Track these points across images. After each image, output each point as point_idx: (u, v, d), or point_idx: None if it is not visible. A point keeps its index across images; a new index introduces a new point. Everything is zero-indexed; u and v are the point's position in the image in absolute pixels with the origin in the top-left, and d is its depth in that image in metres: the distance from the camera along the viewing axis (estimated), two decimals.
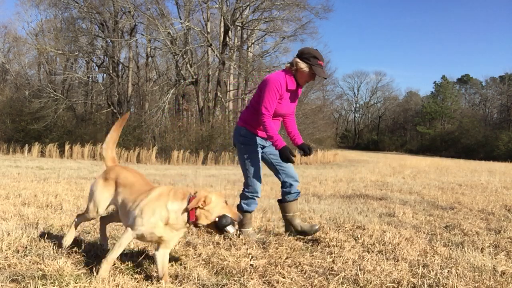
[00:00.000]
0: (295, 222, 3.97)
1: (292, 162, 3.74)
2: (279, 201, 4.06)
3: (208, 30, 24.93)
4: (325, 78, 3.88)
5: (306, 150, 3.85)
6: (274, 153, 3.90)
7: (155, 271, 2.81)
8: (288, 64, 3.78)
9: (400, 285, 2.78)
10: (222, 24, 24.30)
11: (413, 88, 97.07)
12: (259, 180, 3.92)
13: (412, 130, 70.17)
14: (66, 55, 26.74)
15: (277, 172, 3.97)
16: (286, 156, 3.69)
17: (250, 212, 3.98)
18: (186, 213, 2.66)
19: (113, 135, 3.28)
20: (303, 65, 3.68)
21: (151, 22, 22.97)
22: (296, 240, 3.91)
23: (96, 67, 29.75)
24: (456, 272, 2.95)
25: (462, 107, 68.80)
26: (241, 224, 3.97)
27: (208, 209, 2.65)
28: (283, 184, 3.98)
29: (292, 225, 3.99)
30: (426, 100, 71.47)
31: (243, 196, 3.97)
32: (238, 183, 9.83)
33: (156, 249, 2.78)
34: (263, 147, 3.95)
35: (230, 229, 2.66)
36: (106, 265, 2.69)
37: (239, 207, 3.99)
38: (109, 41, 25.94)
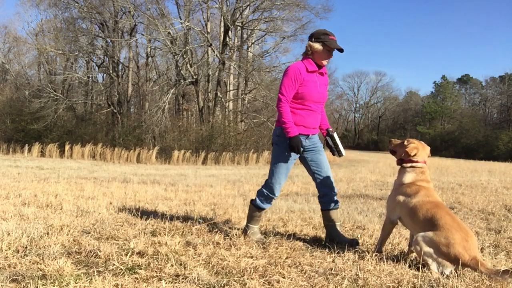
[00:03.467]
0: (335, 231, 3.93)
1: (299, 153, 3.77)
2: (321, 209, 4.04)
3: (208, 30, 24.93)
4: (341, 51, 3.78)
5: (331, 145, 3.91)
6: (314, 160, 3.90)
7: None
8: (303, 53, 3.82)
9: (400, 285, 2.78)
10: (222, 24, 24.29)
11: (413, 88, 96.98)
12: (280, 182, 3.87)
13: (412, 130, 70.08)
14: (66, 55, 26.73)
15: (314, 179, 3.96)
16: (295, 145, 3.68)
17: (263, 209, 3.97)
18: None
19: None
20: (316, 45, 3.73)
21: (151, 22, 22.95)
22: (296, 240, 3.91)
23: (96, 67, 29.74)
24: (456, 272, 2.95)
25: (462, 107, 68.75)
26: (250, 218, 3.99)
27: None
28: (319, 192, 3.98)
29: (329, 234, 3.95)
30: (426, 100, 71.45)
31: (260, 193, 3.95)
32: (238, 183, 9.83)
33: None
34: (303, 149, 3.86)
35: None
36: None
37: (253, 201, 3.98)
38: (109, 41, 25.93)
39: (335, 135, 3.99)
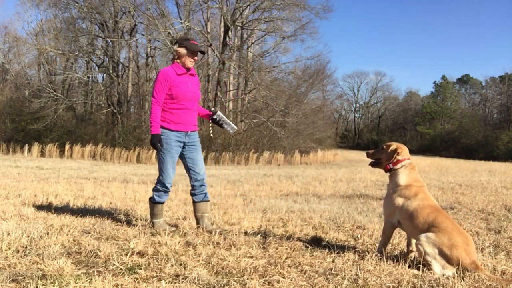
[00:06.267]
0: (203, 222, 4.37)
1: (157, 150, 4.16)
2: (193, 201, 4.43)
3: (208, 30, 24.93)
4: (203, 53, 4.41)
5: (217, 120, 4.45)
6: (191, 157, 4.29)
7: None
8: (172, 59, 4.32)
9: (400, 285, 2.78)
10: (222, 24, 24.30)
11: (413, 88, 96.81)
12: (170, 175, 4.23)
13: (412, 130, 70.12)
14: (66, 55, 26.71)
15: (189, 175, 4.35)
16: (153, 143, 4.10)
17: (161, 203, 4.31)
18: None
19: None
20: (180, 49, 4.20)
21: (151, 22, 22.95)
22: (296, 240, 3.91)
23: (96, 67, 29.72)
24: (456, 272, 2.95)
25: (462, 107, 68.71)
26: (153, 214, 4.28)
27: None
28: (192, 187, 4.37)
29: (199, 223, 4.38)
30: (426, 100, 71.41)
31: (155, 189, 4.28)
32: (238, 183, 9.84)
33: None
34: (183, 145, 4.24)
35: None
36: None
37: (152, 199, 4.30)
38: (109, 41, 25.91)
39: (219, 112, 4.50)
